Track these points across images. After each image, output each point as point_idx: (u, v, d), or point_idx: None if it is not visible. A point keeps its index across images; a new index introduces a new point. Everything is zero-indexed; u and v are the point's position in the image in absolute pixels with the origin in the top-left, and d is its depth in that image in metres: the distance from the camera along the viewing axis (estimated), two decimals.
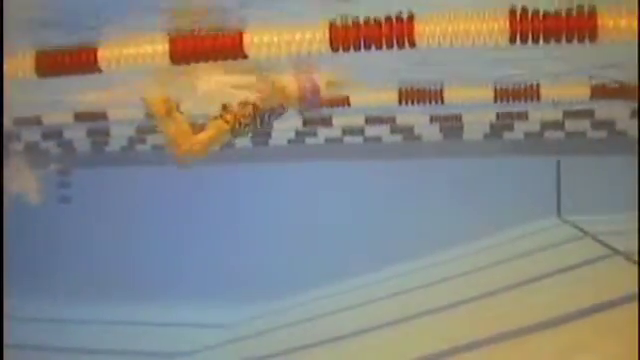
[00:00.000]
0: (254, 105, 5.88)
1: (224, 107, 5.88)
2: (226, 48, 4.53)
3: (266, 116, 6.04)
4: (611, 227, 13.88)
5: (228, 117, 5.83)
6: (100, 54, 4.71)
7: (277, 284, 14.71)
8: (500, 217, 15.51)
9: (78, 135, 11.41)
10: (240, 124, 5.84)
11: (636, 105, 10.12)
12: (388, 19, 4.15)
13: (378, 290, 13.62)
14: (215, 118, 5.89)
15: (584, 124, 11.89)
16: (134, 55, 4.68)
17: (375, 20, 4.17)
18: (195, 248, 16.23)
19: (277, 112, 6.15)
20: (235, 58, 4.56)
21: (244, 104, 5.89)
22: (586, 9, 4.22)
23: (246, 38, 4.47)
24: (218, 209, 16.55)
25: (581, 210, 15.59)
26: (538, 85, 7.58)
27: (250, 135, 6.68)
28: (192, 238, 16.27)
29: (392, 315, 10.89)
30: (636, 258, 10.34)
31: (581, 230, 14.11)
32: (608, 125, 12.18)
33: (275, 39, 4.40)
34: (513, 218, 15.58)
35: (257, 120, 5.94)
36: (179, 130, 5.84)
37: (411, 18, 4.11)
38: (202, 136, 5.81)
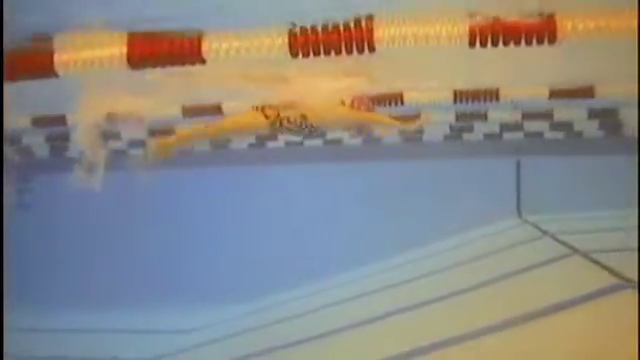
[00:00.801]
0: (303, 116, 5.84)
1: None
2: (184, 53, 4.50)
3: (313, 131, 6.01)
4: (571, 226, 14.02)
5: (269, 112, 5.80)
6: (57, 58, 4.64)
7: (248, 286, 14.69)
8: (461, 218, 15.59)
9: (37, 140, 11.27)
10: (281, 124, 5.82)
11: (594, 106, 10.27)
12: (347, 24, 4.14)
13: (346, 291, 13.60)
14: (255, 109, 5.87)
15: (543, 125, 12.00)
16: (91, 58, 4.61)
17: (334, 25, 4.16)
18: (166, 252, 16.15)
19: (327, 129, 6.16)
20: (193, 63, 4.53)
21: (290, 106, 5.88)
22: (545, 12, 4.25)
23: (204, 43, 4.44)
24: (187, 212, 16.50)
25: (541, 210, 15.73)
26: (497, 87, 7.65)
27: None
28: (162, 242, 16.17)
29: (360, 316, 10.87)
30: (595, 257, 10.45)
31: (541, 230, 14.22)
32: (566, 126, 12.32)
33: (234, 44, 4.38)
34: (474, 219, 15.66)
35: (305, 130, 5.91)
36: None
37: (370, 23, 4.11)
38: (224, 122, 5.89)
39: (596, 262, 10.21)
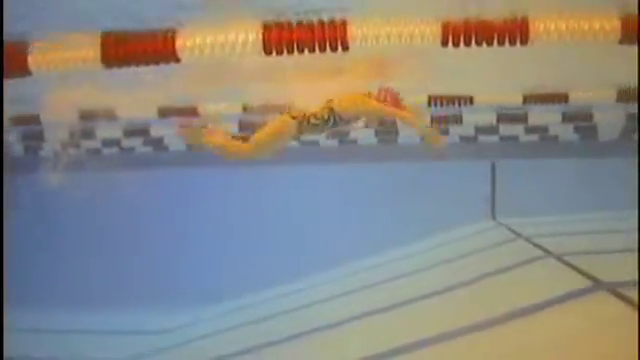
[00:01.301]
0: (330, 108, 5.84)
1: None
2: (158, 51, 4.49)
3: (343, 122, 6.00)
4: (545, 229, 14.10)
5: (295, 113, 5.79)
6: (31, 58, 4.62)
7: (219, 289, 14.65)
8: (436, 220, 15.63)
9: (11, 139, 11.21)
10: (308, 122, 5.81)
11: (568, 110, 10.33)
12: (321, 23, 4.15)
13: (317, 293, 13.59)
14: (280, 114, 5.86)
15: (518, 128, 12.07)
16: (65, 58, 4.60)
17: (308, 23, 4.16)
18: (138, 255, 16.06)
19: (350, 121, 6.13)
20: (167, 61, 4.52)
21: (322, 107, 5.88)
22: (518, 13, 4.28)
23: (178, 40, 4.43)
24: (160, 215, 16.41)
25: (515, 213, 15.80)
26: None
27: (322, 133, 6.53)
28: (134, 245, 16.09)
29: (338, 316, 10.87)
30: (568, 260, 10.51)
31: (515, 232, 14.29)
32: (541, 130, 12.38)
33: (208, 41, 4.38)
34: (449, 221, 15.71)
35: (330, 122, 5.90)
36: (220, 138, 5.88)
37: (344, 21, 4.12)
38: (257, 135, 5.83)
39: (569, 264, 10.28)
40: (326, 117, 5.83)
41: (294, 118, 5.80)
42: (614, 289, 8.40)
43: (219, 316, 14.16)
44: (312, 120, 5.81)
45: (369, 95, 5.87)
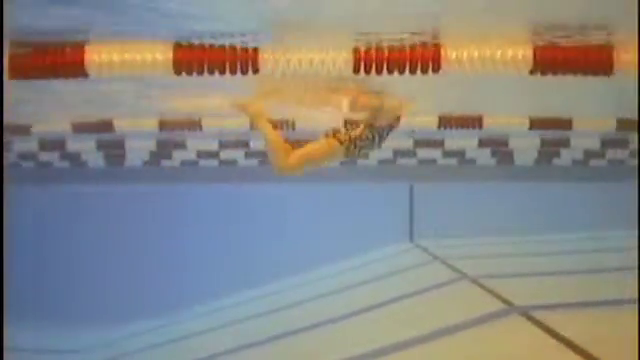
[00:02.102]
0: (368, 124, 5.70)
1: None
2: (67, 65, 4.38)
3: (385, 132, 5.88)
4: (461, 252, 14.26)
5: (342, 137, 5.63)
6: None
7: (136, 308, 14.51)
8: (355, 241, 15.71)
9: None
10: (355, 145, 5.66)
11: (483, 135, 10.47)
12: (233, 46, 4.12)
13: (239, 312, 13.52)
14: (327, 135, 5.68)
15: (435, 153, 12.18)
16: None
17: (220, 45, 4.13)
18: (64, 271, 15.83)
19: (393, 127, 6.00)
20: (76, 76, 4.42)
21: (354, 124, 5.73)
22: (430, 41, 4.31)
23: (87, 56, 4.33)
24: (85, 231, 16.19)
25: (433, 235, 15.97)
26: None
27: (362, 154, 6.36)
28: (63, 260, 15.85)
29: (251, 337, 10.79)
30: (483, 283, 10.63)
31: (431, 254, 14.42)
32: (459, 154, 12.52)
33: (116, 58, 4.29)
34: (367, 242, 15.79)
35: (376, 139, 5.76)
36: (278, 141, 5.69)
37: (256, 47, 4.09)
38: (301, 151, 5.65)
39: (484, 287, 10.39)
40: (371, 136, 5.74)
41: (341, 143, 5.67)
42: (527, 313, 8.52)
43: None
44: (358, 143, 5.71)
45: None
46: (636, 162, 12.42)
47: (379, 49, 4.10)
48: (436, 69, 4.25)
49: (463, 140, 10.90)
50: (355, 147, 5.73)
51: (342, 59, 4.09)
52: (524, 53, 4.50)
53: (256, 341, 10.44)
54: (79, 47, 4.38)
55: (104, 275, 16.18)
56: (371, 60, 4.08)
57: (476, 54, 4.38)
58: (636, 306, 8.70)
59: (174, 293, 15.11)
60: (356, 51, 4.09)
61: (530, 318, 8.32)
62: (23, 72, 4.48)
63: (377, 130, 5.80)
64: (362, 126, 5.75)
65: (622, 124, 8.54)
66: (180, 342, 12.36)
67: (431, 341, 8.26)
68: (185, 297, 14.94)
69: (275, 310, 12.85)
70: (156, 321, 14.35)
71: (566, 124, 8.44)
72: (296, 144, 5.77)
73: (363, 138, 5.73)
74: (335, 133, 5.71)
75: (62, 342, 14.22)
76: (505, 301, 9.39)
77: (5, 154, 11.03)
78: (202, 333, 12.63)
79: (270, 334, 10.60)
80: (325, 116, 7.11)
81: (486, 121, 8.12)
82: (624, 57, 4.53)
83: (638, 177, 12.02)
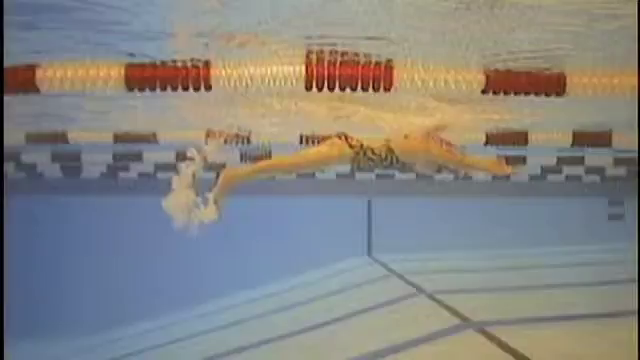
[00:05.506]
0: (389, 148, 5.60)
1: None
2: (18, 81, 4.34)
3: (396, 164, 5.75)
4: (418, 266, 14.31)
5: (355, 142, 5.52)
6: None
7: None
8: (312, 255, 15.70)
9: None
10: (365, 154, 5.52)
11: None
12: (184, 63, 4.11)
13: (188, 327, 13.44)
14: (339, 137, 5.55)
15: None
16: None
17: (172, 62, 4.12)
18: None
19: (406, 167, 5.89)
20: (27, 92, 4.38)
21: (378, 141, 5.61)
22: (384, 61, 4.33)
23: (39, 72, 4.30)
24: (49, 241, 16.12)
25: (390, 250, 16.00)
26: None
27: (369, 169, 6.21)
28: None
29: (210, 351, 10.73)
30: (439, 298, 10.69)
31: (389, 269, 14.46)
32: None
33: (69, 74, 4.26)
34: (325, 256, 15.79)
35: (387, 162, 5.62)
36: None
37: (207, 64, 4.09)
38: (304, 152, 5.62)
39: (440, 302, 10.44)
40: (384, 155, 5.62)
41: (352, 147, 5.54)
42: (483, 328, 8.58)
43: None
44: (369, 154, 5.59)
45: (428, 139, 5.68)
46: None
47: (331, 68, 4.10)
48: (388, 88, 4.27)
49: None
50: (365, 155, 5.64)
51: (294, 74, 4.09)
52: (476, 77, 4.54)
53: (209, 355, 10.40)
54: (31, 66, 4.34)
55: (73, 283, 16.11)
56: (323, 77, 4.09)
57: (428, 76, 4.41)
58: (590, 321, 8.84)
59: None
60: (308, 68, 4.09)
61: (485, 333, 8.39)
62: None
63: (393, 156, 5.72)
64: (383, 143, 5.67)
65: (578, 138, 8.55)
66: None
67: (387, 356, 8.27)
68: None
69: (234, 324, 12.82)
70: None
71: (521, 138, 8.43)
72: None
73: (376, 152, 5.63)
74: (348, 137, 5.62)
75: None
76: (461, 316, 9.45)
77: None
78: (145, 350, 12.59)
79: (235, 346, 10.58)
80: (281, 129, 7.13)
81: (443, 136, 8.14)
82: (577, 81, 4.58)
83: (638, 193, 12.18)
